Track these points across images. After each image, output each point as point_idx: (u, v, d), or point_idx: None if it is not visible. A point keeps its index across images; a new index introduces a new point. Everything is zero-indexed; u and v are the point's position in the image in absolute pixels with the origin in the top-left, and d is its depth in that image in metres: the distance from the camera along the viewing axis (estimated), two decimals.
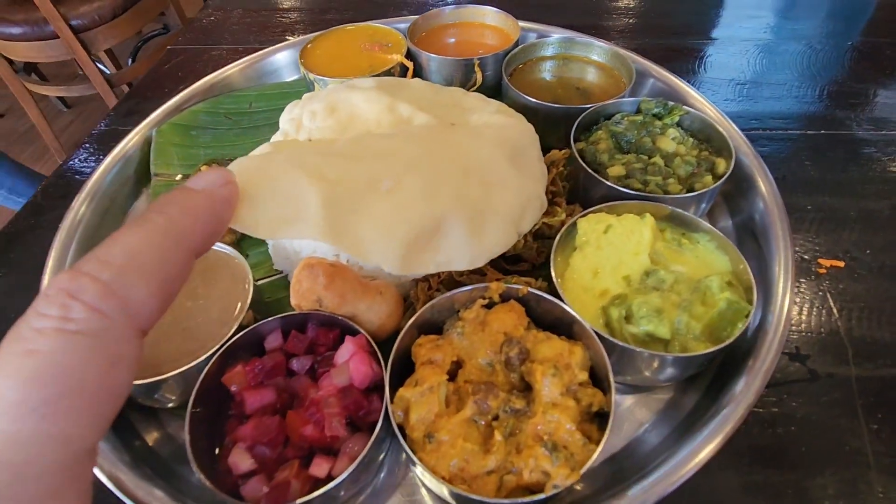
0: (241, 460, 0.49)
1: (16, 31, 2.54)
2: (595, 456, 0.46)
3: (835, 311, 0.67)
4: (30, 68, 2.97)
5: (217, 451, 0.53)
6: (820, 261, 0.72)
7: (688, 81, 0.91)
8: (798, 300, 0.68)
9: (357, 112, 0.73)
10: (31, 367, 0.26)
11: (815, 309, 0.67)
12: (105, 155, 0.84)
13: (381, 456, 0.56)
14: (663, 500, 0.49)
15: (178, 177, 0.86)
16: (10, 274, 0.78)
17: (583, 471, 0.45)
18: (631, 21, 1.24)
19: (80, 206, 0.77)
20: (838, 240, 0.74)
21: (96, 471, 0.52)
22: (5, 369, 0.26)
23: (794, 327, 0.65)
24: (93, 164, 0.91)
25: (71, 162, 0.94)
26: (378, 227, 0.51)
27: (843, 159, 0.87)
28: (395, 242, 0.51)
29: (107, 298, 0.28)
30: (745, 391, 0.54)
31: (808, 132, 0.92)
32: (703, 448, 0.51)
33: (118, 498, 0.51)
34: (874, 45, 1.12)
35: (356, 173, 0.52)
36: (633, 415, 0.59)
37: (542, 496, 0.44)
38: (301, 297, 0.57)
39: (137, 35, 2.98)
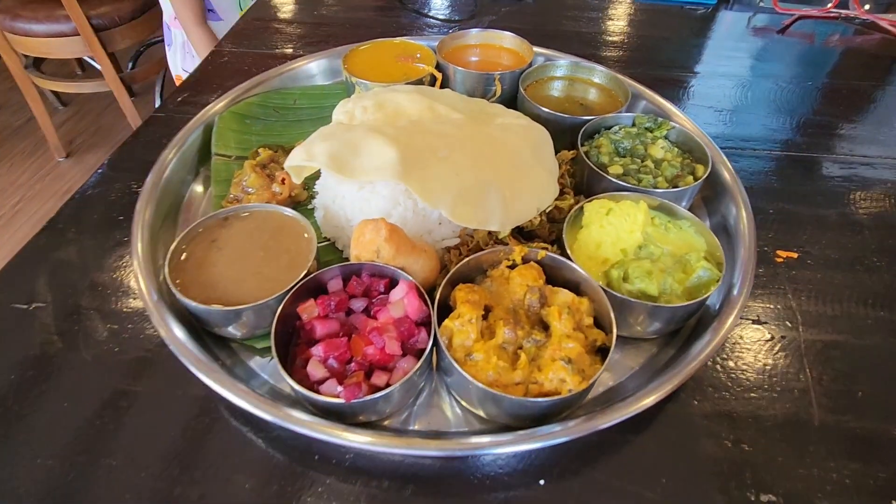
0: (316, 370, 0.61)
1: (38, 27, 2.63)
2: (600, 371, 0.59)
3: (788, 291, 0.82)
4: (36, 65, 3.05)
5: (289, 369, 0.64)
6: (778, 252, 0.87)
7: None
8: (759, 282, 0.83)
9: (402, 109, 0.87)
10: None
11: (772, 289, 0.82)
12: (165, 135, 0.96)
13: (422, 382, 0.68)
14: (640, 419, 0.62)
15: (233, 157, 0.98)
16: (84, 232, 0.88)
17: (591, 382, 0.58)
18: (624, 54, 1.42)
19: (154, 175, 0.88)
20: (794, 237, 0.90)
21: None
22: None
23: (756, 302, 0.80)
24: (154, 140, 1.02)
25: (135, 138, 1.05)
26: (438, 178, 0.65)
27: (802, 176, 1.04)
28: (450, 192, 0.65)
29: None
30: (707, 344, 0.68)
31: (774, 153, 1.09)
32: (668, 385, 0.64)
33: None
34: (832, 87, 1.32)
35: (419, 143, 0.66)
36: (624, 363, 0.73)
37: (560, 396, 0.57)
38: (362, 248, 0.69)
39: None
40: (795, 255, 0.87)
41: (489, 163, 0.70)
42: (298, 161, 0.69)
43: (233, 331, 0.71)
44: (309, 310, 0.66)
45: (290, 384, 0.59)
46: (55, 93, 3.63)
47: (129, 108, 3.03)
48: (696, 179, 0.86)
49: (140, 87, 3.70)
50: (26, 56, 2.88)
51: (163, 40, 3.77)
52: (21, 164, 3.38)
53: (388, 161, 0.63)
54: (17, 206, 3.11)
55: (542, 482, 0.61)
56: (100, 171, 0.98)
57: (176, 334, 0.66)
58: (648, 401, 0.61)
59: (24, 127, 3.60)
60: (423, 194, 0.64)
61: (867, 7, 1.61)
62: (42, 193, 3.17)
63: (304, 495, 0.59)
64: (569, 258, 0.71)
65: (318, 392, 0.59)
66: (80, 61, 3.78)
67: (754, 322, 0.77)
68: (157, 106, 3.47)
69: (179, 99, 1.18)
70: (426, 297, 0.67)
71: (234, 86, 1.09)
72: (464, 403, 0.66)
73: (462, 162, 0.66)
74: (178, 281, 0.69)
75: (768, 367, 0.72)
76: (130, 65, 3.67)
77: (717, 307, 0.73)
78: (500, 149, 0.73)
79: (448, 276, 0.69)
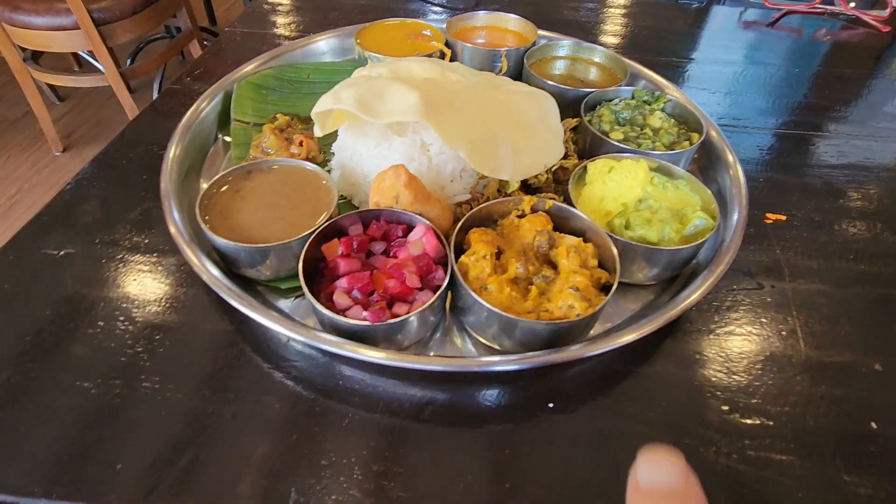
0: (341, 299, 0.65)
1: (38, 20, 2.65)
2: (606, 300, 0.64)
3: (777, 247, 0.88)
4: (34, 58, 3.06)
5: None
6: (767, 214, 0.93)
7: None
8: (750, 240, 0.88)
9: (415, 74, 0.92)
10: None
11: (762, 245, 0.88)
12: (183, 105, 1.00)
13: (438, 318, 0.72)
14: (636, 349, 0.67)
15: (251, 124, 1.03)
16: (110, 188, 0.92)
17: (597, 308, 0.63)
18: (622, 41, 1.49)
19: (175, 139, 0.92)
20: (782, 202, 0.96)
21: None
22: None
23: (747, 257, 0.85)
24: (173, 110, 1.07)
25: (153, 108, 1.10)
26: (456, 124, 0.70)
27: (790, 150, 1.10)
28: (466, 138, 0.70)
29: None
30: (701, 284, 0.73)
31: (764, 130, 1.16)
32: (664, 317, 0.69)
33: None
34: (819, 75, 1.39)
35: (437, 93, 0.71)
36: (624, 306, 0.78)
37: (569, 320, 0.62)
38: (381, 193, 0.74)
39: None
40: (784, 218, 0.93)
41: (498, 120, 0.75)
42: (327, 106, 0.74)
43: (259, 272, 0.75)
44: (333, 248, 0.70)
45: (317, 309, 0.63)
46: (52, 88, 3.64)
47: (129, 104, 3.04)
48: (691, 145, 0.92)
49: (137, 84, 3.73)
50: (24, 49, 2.88)
51: (163, 37, 3.81)
52: (18, 156, 3.38)
53: (411, 104, 0.68)
54: (14, 197, 3.11)
55: (550, 405, 0.65)
56: (121, 136, 1.02)
57: (209, 269, 0.70)
58: (645, 330, 0.66)
59: (21, 120, 3.60)
60: (444, 134, 0.69)
61: (852, 4, 1.69)
62: (39, 186, 3.17)
63: (329, 414, 0.63)
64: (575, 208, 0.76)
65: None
66: (76, 57, 3.80)
67: (745, 274, 0.83)
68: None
69: (196, 73, 1.22)
70: (443, 238, 0.72)
71: (245, 61, 1.14)
72: (478, 337, 0.71)
73: (474, 115, 0.71)
74: (206, 218, 0.73)
75: (759, 311, 0.77)
76: (129, 61, 3.71)
77: (711, 258, 0.79)
78: (508, 109, 0.79)
79: (461, 222, 0.74)
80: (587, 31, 1.52)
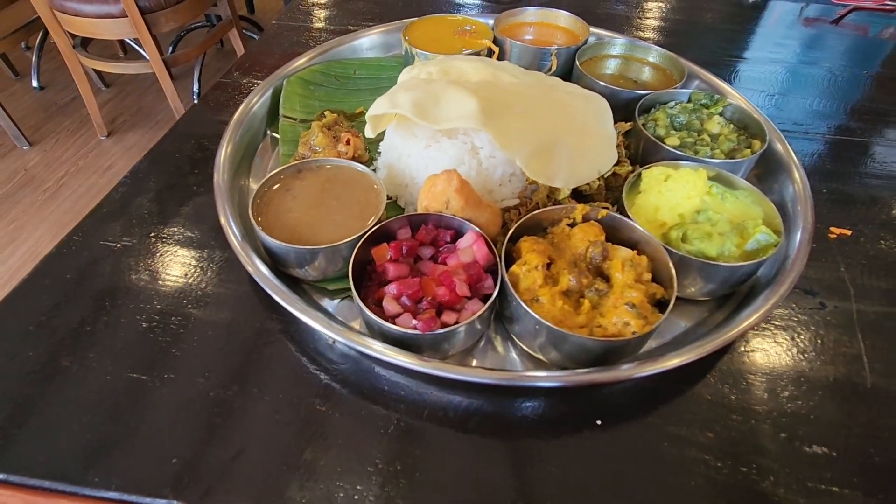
0: (391, 305, 0.65)
1: (88, 8, 2.73)
2: (663, 318, 0.62)
3: (841, 266, 0.83)
4: (83, 45, 3.15)
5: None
6: (831, 228, 0.88)
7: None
8: (812, 256, 0.83)
9: (466, 75, 0.90)
10: None
11: (825, 263, 0.83)
12: (232, 98, 1.01)
13: (485, 328, 0.71)
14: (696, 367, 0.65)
15: (298, 120, 1.03)
16: (163, 182, 0.94)
17: (654, 326, 0.61)
18: (673, 39, 1.44)
19: (227, 136, 0.93)
20: (847, 216, 0.91)
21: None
22: None
23: (809, 274, 0.81)
24: (222, 103, 1.09)
25: (204, 101, 1.11)
26: (516, 129, 0.68)
27: (855, 159, 1.04)
28: (526, 145, 0.68)
29: None
30: (765, 302, 0.70)
31: (827, 136, 1.10)
32: (722, 337, 0.66)
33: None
34: (887, 77, 1.31)
35: (497, 97, 0.69)
36: (674, 322, 0.75)
37: (624, 338, 0.60)
38: (432, 198, 0.73)
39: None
40: (849, 233, 0.88)
41: (559, 122, 0.73)
42: (382, 109, 0.73)
43: (306, 272, 0.75)
44: (382, 252, 0.70)
45: (367, 315, 0.63)
46: (99, 74, 3.75)
47: (171, 90, 3.11)
48: (752, 153, 0.87)
49: (178, 71, 3.81)
50: (74, 36, 2.98)
51: (202, 25, 3.88)
52: (66, 140, 3.51)
53: (469, 110, 0.67)
54: (61, 180, 3.23)
55: (599, 422, 0.64)
56: (173, 129, 1.04)
57: (261, 269, 0.71)
58: (702, 351, 0.64)
59: (69, 105, 3.73)
60: (502, 142, 0.68)
61: None
62: (85, 170, 3.28)
63: (374, 419, 0.63)
64: (629, 219, 0.74)
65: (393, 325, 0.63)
66: (122, 44, 3.90)
67: (807, 292, 0.79)
68: (195, 89, 3.54)
69: (244, 66, 1.23)
70: (493, 246, 0.70)
71: (294, 56, 1.14)
72: (525, 347, 0.70)
73: (537, 118, 0.70)
74: (259, 219, 0.73)
75: (821, 333, 0.74)
76: (171, 49, 3.79)
77: (772, 275, 0.75)
78: (567, 111, 0.76)
79: (510, 231, 0.72)
80: (637, 28, 1.46)
